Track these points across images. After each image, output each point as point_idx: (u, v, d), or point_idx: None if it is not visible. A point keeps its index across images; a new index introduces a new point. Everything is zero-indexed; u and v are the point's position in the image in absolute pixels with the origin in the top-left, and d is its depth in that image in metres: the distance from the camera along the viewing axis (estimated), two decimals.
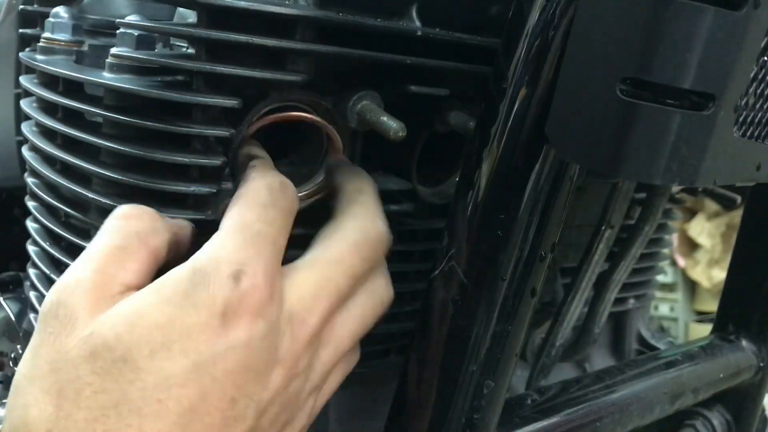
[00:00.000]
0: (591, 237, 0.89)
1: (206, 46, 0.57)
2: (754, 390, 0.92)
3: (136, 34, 0.61)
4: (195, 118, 0.58)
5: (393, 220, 0.71)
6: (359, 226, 0.54)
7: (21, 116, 0.80)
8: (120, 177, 0.59)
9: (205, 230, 0.61)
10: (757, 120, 0.51)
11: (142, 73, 0.60)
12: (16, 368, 0.76)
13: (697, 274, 2.99)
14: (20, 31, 0.91)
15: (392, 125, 0.60)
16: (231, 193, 0.59)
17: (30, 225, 0.77)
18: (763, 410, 0.97)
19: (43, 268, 0.72)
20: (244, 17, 0.56)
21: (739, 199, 1.12)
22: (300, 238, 0.68)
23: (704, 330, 1.05)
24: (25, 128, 0.77)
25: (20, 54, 0.81)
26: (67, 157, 0.65)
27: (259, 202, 0.52)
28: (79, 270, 0.47)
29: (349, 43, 0.60)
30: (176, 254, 0.53)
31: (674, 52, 0.42)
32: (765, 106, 0.52)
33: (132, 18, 0.62)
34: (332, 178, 0.61)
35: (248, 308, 0.45)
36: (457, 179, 0.61)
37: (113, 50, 0.61)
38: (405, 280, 0.74)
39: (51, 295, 0.47)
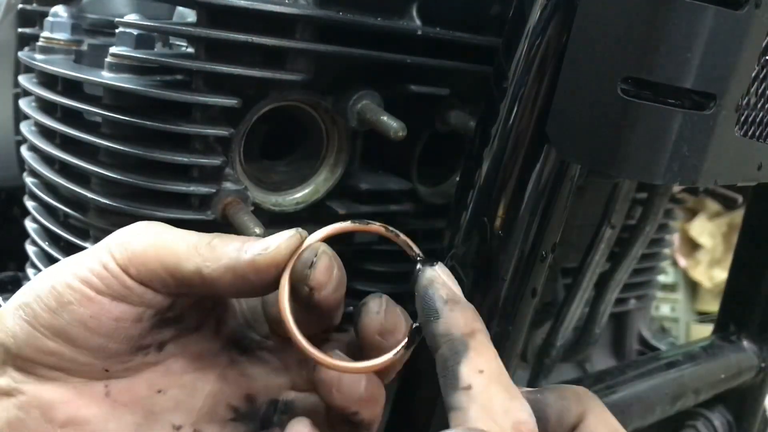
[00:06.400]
0: (592, 237, 0.89)
1: (206, 45, 0.57)
2: (756, 390, 0.92)
3: (135, 33, 0.61)
4: (195, 118, 0.58)
5: (393, 220, 0.71)
6: None
7: (20, 116, 0.80)
8: (119, 177, 0.59)
9: (204, 230, 0.61)
10: (758, 119, 0.51)
11: (142, 72, 0.60)
12: None
13: (699, 274, 2.99)
14: (19, 30, 0.91)
15: (392, 125, 0.60)
16: (231, 193, 0.59)
17: (29, 225, 0.77)
18: (764, 411, 0.97)
19: (42, 268, 0.71)
20: (244, 16, 0.56)
21: (740, 198, 1.12)
22: None
23: (705, 330, 1.05)
24: (24, 128, 0.77)
25: (19, 53, 0.81)
26: (66, 157, 0.65)
27: None
28: None
29: (349, 42, 0.60)
30: None
31: (675, 52, 0.41)
32: (766, 106, 0.52)
33: (131, 17, 0.62)
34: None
35: None
36: (457, 179, 0.61)
37: (112, 49, 0.61)
38: (405, 280, 0.74)
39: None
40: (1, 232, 0.98)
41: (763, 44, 0.46)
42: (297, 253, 0.45)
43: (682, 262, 3.04)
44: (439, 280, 0.45)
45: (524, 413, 0.39)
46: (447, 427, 0.39)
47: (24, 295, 0.45)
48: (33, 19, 0.90)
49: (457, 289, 0.44)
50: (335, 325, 0.51)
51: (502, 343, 0.55)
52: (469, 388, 0.39)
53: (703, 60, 0.42)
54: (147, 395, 0.48)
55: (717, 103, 0.44)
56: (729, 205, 1.14)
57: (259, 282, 0.45)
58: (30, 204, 0.77)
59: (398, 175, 0.70)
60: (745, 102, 0.47)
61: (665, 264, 1.21)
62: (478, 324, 0.42)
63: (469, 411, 0.39)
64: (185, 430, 0.49)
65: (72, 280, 0.44)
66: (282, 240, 0.45)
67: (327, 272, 0.46)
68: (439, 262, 0.46)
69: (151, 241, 0.45)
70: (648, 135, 0.43)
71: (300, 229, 0.46)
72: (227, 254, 0.44)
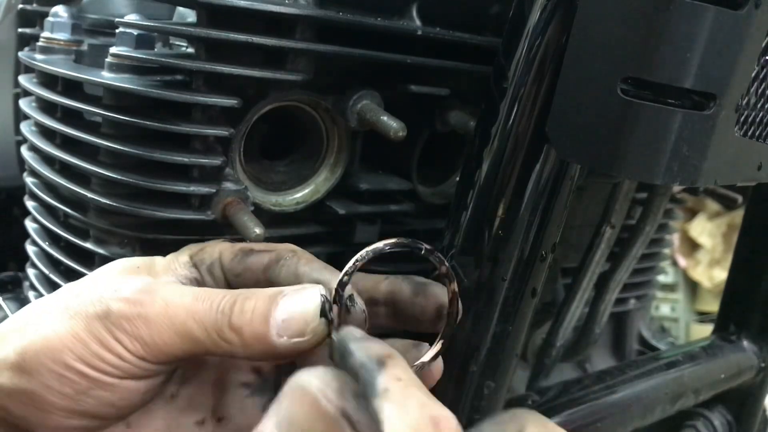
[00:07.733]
0: (592, 237, 0.89)
1: (206, 45, 0.57)
2: (755, 390, 0.92)
3: (135, 33, 0.61)
4: (195, 118, 0.58)
5: (393, 220, 0.71)
6: None
7: (20, 116, 0.80)
8: (119, 177, 0.59)
9: (204, 230, 0.61)
10: (758, 119, 0.51)
11: (142, 72, 0.60)
12: None
13: (698, 274, 2.99)
14: (19, 30, 0.91)
15: (392, 125, 0.60)
16: (231, 193, 0.59)
17: (29, 225, 0.77)
18: (764, 411, 0.97)
19: (42, 268, 0.72)
20: (244, 16, 0.56)
21: (740, 198, 1.12)
22: (293, 239, 0.68)
23: (705, 330, 1.05)
24: (24, 128, 0.77)
25: (19, 53, 0.81)
26: (66, 157, 0.65)
27: None
28: None
29: (350, 42, 0.60)
30: None
31: (675, 52, 0.41)
32: (766, 106, 0.52)
33: (131, 17, 0.62)
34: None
35: None
36: (457, 179, 0.61)
37: (112, 49, 0.61)
38: None
39: None
40: (1, 232, 0.98)
41: (763, 44, 0.46)
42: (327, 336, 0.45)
43: (682, 262, 3.05)
44: (353, 331, 0.43)
45: (444, 411, 0.37)
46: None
47: (20, 375, 0.43)
48: (33, 19, 0.90)
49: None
50: None
51: (502, 343, 0.55)
52: (386, 391, 0.37)
53: (703, 60, 0.42)
54: (162, 406, 0.49)
55: (717, 103, 0.44)
56: (729, 205, 1.14)
57: (295, 356, 0.46)
58: (30, 204, 0.77)
59: (398, 175, 0.70)
60: (745, 102, 0.47)
61: (665, 264, 1.21)
62: (394, 351, 0.40)
63: (384, 410, 0.36)
64: (208, 423, 0.50)
65: (85, 368, 0.43)
66: (315, 325, 0.44)
67: None
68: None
69: (165, 326, 0.44)
70: (648, 135, 0.43)
71: (322, 292, 0.45)
72: (259, 339, 0.44)
